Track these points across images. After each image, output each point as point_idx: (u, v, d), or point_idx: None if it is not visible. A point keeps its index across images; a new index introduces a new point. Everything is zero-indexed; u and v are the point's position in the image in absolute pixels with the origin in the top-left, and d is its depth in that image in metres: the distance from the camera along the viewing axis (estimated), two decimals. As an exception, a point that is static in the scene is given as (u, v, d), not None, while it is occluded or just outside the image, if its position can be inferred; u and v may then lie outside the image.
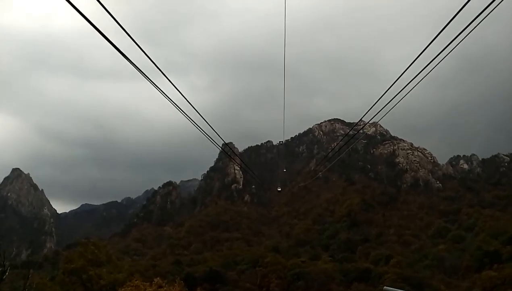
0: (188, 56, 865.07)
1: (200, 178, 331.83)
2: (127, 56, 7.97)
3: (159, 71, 8.93)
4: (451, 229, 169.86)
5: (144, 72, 8.66)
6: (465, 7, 6.97)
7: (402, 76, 8.97)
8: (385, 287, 8.14)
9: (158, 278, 37.58)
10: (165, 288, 33.86)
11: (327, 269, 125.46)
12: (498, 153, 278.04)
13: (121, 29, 7.70)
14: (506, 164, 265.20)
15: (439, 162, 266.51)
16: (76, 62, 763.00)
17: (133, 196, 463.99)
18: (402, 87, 9.31)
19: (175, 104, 9.98)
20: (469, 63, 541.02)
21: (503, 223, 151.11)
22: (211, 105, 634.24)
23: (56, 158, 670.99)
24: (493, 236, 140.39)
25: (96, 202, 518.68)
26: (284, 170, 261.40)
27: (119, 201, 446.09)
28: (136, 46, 8.08)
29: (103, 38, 7.35)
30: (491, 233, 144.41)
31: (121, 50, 7.85)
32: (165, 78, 9.47)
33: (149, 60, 8.47)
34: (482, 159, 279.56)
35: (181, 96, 9.88)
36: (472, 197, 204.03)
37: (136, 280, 34.98)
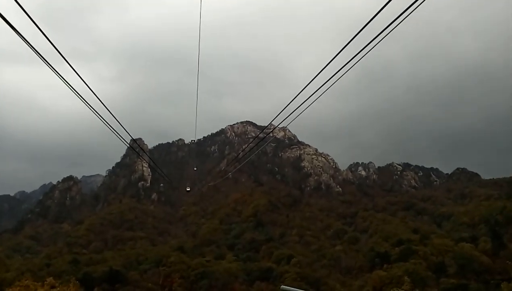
0: (95, 45, 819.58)
1: (104, 174, 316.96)
2: (24, 36, 7.45)
3: (61, 57, 8.34)
4: (347, 231, 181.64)
5: (43, 56, 8.12)
6: (368, 24, 7.74)
7: (309, 84, 9.63)
8: (282, 286, 8.68)
9: (51, 278, 35.36)
10: (58, 288, 31.93)
11: (231, 268, 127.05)
12: (392, 162, 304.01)
13: (20, 8, 7.19)
14: (398, 172, 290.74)
15: (340, 168, 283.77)
16: None
17: (28, 190, 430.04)
18: (309, 95, 9.99)
19: (78, 93, 9.39)
20: (368, 77, 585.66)
21: (393, 226, 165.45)
22: (119, 98, 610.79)
23: None
24: (384, 238, 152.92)
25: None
26: (195, 169, 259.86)
27: (11, 194, 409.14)
28: (36, 27, 7.55)
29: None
30: (382, 236, 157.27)
31: (19, 30, 7.34)
32: (67, 64, 8.78)
33: (50, 43, 7.93)
34: (378, 166, 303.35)
35: (85, 85, 9.35)
36: (368, 201, 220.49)
37: (26, 280, 32.53)
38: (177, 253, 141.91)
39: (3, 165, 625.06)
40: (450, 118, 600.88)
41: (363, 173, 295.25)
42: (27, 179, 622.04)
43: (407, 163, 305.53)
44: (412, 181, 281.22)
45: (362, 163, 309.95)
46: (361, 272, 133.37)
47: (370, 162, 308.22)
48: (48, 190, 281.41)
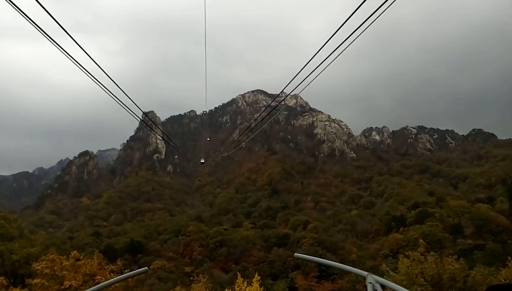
0: (99, 18, 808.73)
1: (119, 148, 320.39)
2: (24, 12, 7.11)
3: (64, 31, 7.96)
4: (363, 196, 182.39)
5: (47, 33, 7.79)
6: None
7: (320, 49, 9.26)
8: (295, 254, 8.62)
9: (75, 251, 36.27)
10: (83, 261, 32.77)
11: (248, 236, 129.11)
12: (407, 125, 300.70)
13: None
14: (413, 136, 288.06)
15: (353, 133, 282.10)
16: None
17: (46, 166, 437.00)
18: (321, 61, 9.61)
19: (84, 69, 9.01)
20: (380, 39, 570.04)
21: (409, 190, 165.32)
22: (127, 71, 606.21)
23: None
24: (400, 202, 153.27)
25: (5, 173, 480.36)
26: (208, 139, 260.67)
27: (30, 171, 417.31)
28: (37, 2, 7.19)
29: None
30: (398, 199, 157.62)
31: (20, 7, 7.01)
32: (71, 39, 8.40)
33: (51, 17, 7.56)
34: (392, 130, 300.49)
35: (91, 60, 8.99)
36: (382, 166, 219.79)
37: (51, 254, 33.42)
38: (195, 222, 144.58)
39: (20, 142, 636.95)
40: (465, 80, 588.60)
41: (377, 137, 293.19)
42: (44, 155, 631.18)
43: (422, 126, 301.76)
44: (427, 144, 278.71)
45: (376, 127, 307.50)
46: (377, 236, 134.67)
47: (384, 126, 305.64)
48: (66, 166, 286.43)
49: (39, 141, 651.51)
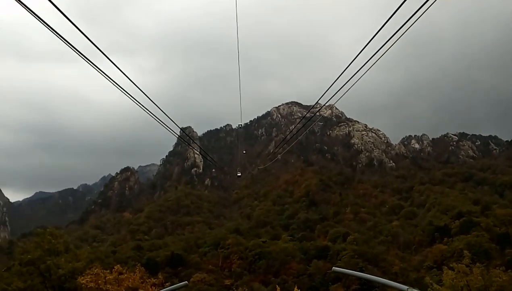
0: (133, 37, 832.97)
1: (158, 163, 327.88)
2: (64, 37, 7.54)
3: (101, 53, 8.39)
4: (404, 206, 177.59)
5: (86, 55, 8.23)
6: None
7: (355, 59, 9.42)
8: (333, 268, 8.83)
9: (118, 265, 37.42)
10: (126, 275, 33.79)
11: (287, 248, 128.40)
12: (448, 133, 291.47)
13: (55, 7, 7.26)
14: (454, 143, 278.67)
15: (392, 142, 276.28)
16: (15, 46, 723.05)
17: (90, 183, 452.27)
18: (356, 70, 9.77)
19: (124, 90, 9.48)
20: (416, 46, 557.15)
21: (452, 199, 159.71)
22: (162, 88, 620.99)
23: (3, 145, 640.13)
24: (443, 211, 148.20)
25: (51, 190, 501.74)
26: (244, 152, 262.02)
27: (75, 187, 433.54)
28: (74, 27, 7.60)
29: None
30: (441, 209, 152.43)
31: (60, 32, 7.43)
32: (109, 61, 8.87)
33: (89, 41, 7.99)
34: (432, 138, 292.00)
35: (129, 80, 9.37)
36: (423, 175, 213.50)
37: (95, 268, 34.67)
38: (234, 235, 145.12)
39: (65, 161, 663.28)
40: (506, 83, 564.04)
41: (417, 145, 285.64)
42: (87, 172, 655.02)
43: (463, 133, 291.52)
44: (470, 151, 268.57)
45: (415, 135, 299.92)
46: (420, 247, 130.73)
47: (424, 134, 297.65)
48: (108, 181, 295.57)
49: (82, 159, 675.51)
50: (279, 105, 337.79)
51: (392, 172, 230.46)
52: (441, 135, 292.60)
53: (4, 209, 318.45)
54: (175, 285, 9.36)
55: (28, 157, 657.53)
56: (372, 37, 8.59)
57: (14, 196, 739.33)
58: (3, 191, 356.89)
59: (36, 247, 37.48)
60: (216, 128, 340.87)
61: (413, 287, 6.52)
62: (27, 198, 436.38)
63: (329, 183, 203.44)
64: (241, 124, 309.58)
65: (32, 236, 47.99)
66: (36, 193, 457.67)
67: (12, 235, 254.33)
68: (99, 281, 31.83)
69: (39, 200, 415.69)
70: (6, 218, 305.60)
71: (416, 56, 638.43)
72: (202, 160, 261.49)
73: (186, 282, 9.09)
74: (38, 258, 35.99)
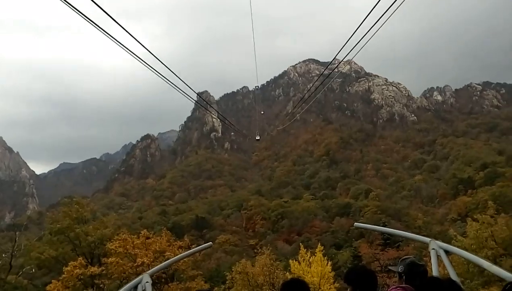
0: (140, 2, 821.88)
1: (178, 129, 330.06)
2: (74, 6, 7.16)
3: (112, 21, 7.97)
4: (426, 160, 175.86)
5: (96, 23, 7.84)
6: None
7: (373, 9, 8.60)
8: (355, 223, 8.54)
9: (144, 230, 38.09)
10: (152, 239, 34.38)
11: (309, 207, 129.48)
12: (471, 83, 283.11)
13: None
14: (478, 93, 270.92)
15: (413, 95, 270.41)
16: (25, 18, 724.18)
17: (112, 152, 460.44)
18: (375, 21, 8.94)
19: (139, 57, 9.03)
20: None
21: (476, 150, 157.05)
22: (174, 53, 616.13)
23: (24, 119, 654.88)
24: (467, 163, 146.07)
25: (75, 160, 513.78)
26: (262, 113, 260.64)
27: (98, 157, 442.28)
28: None
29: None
30: (465, 161, 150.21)
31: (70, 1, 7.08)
32: (121, 28, 8.40)
33: (98, 8, 7.58)
34: (455, 89, 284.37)
35: (142, 47, 8.98)
36: (446, 127, 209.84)
37: (123, 234, 35.36)
38: (256, 196, 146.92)
39: (86, 131, 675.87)
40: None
41: (439, 97, 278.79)
42: (109, 141, 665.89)
43: (487, 82, 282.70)
44: (494, 100, 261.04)
45: (437, 87, 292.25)
46: (444, 200, 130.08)
47: (446, 85, 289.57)
48: (130, 150, 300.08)
49: (102, 128, 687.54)
50: (296, 64, 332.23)
51: (414, 126, 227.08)
52: (465, 85, 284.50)
53: (31, 181, 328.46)
54: (200, 247, 9.26)
55: (49, 129, 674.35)
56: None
57: (39, 168, 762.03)
58: (29, 164, 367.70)
59: (64, 216, 38.24)
60: (232, 91, 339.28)
61: (437, 239, 6.02)
62: (52, 170, 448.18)
63: (349, 141, 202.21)
64: (258, 86, 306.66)
65: (60, 206, 49.01)
66: (60, 164, 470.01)
67: (40, 206, 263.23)
68: (128, 246, 32.40)
69: (64, 171, 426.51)
70: (34, 190, 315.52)
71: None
72: (220, 124, 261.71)
73: (210, 243, 8.91)
74: (67, 227, 36.79)
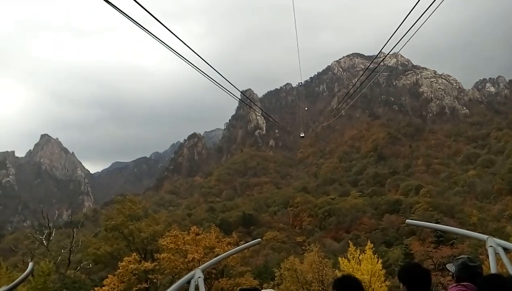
0: (180, 2, 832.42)
1: (223, 127, 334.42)
2: (116, 5, 7.41)
3: (155, 22, 8.21)
4: (480, 154, 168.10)
5: (140, 24, 8.10)
6: None
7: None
8: (407, 220, 8.26)
9: (194, 226, 39.01)
10: (202, 235, 35.14)
11: (357, 204, 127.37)
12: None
13: None
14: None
15: (464, 87, 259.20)
16: (69, 21, 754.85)
17: (160, 150, 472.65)
18: (422, 12, 8.63)
19: (184, 58, 9.21)
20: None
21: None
22: (216, 52, 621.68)
23: (76, 121, 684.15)
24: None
25: (126, 159, 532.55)
26: (306, 109, 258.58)
27: (147, 156, 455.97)
28: None
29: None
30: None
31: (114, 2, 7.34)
32: (166, 29, 8.62)
33: (143, 9, 7.81)
34: (509, 80, 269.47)
35: (186, 47, 9.16)
36: (501, 120, 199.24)
37: (174, 230, 36.47)
38: (302, 193, 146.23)
39: (135, 131, 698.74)
40: None
41: (492, 89, 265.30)
42: (157, 140, 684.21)
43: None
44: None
45: (490, 78, 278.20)
46: (500, 195, 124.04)
47: (499, 76, 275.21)
48: (178, 148, 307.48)
49: (151, 128, 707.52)
50: (340, 59, 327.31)
51: (466, 119, 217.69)
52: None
53: (86, 180, 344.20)
54: (249, 243, 9.36)
55: (100, 130, 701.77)
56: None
57: (93, 167, 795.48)
58: (83, 164, 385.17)
59: (118, 213, 39.93)
60: (276, 89, 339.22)
61: (494, 237, 5.73)
62: (105, 169, 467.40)
63: (397, 136, 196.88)
64: (301, 82, 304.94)
65: (114, 203, 51.15)
66: (112, 163, 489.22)
67: (95, 204, 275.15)
68: (179, 242, 33.33)
69: (116, 170, 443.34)
70: (89, 189, 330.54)
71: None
72: (264, 122, 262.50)
73: (259, 239, 9.00)
74: (121, 224, 38.38)
